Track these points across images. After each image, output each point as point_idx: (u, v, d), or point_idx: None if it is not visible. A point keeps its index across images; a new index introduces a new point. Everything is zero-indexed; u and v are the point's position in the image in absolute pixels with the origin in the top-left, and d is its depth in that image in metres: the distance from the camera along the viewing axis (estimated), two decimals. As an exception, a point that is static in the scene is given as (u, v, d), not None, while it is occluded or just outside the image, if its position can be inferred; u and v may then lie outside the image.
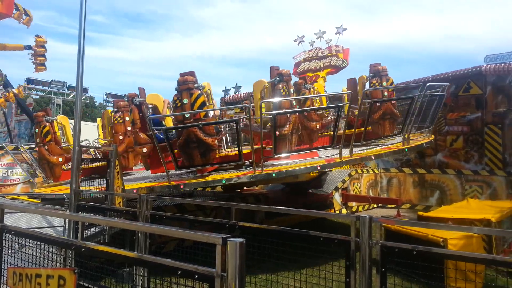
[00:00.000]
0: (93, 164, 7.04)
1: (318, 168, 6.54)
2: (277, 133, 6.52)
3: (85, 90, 21.81)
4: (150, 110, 7.75)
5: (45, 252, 3.25)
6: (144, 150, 7.33)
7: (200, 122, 6.33)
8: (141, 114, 7.59)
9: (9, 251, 3.46)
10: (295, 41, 16.66)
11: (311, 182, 11.80)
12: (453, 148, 13.03)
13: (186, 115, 6.33)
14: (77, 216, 4.16)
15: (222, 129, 7.03)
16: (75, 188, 5.28)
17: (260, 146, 6.06)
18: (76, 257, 3.21)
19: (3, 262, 3.43)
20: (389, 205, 13.79)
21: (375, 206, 14.43)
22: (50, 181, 8.85)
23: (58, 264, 3.62)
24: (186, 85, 6.39)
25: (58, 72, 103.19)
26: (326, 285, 3.25)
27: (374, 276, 2.94)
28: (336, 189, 12.63)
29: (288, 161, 6.74)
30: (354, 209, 13.26)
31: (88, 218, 4.02)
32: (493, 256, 6.13)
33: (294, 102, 7.16)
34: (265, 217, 8.82)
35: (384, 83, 8.18)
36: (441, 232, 6.44)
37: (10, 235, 3.27)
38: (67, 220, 5.23)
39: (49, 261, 3.24)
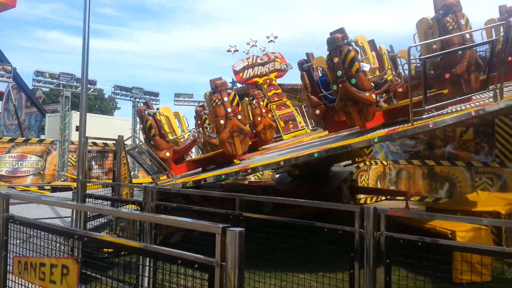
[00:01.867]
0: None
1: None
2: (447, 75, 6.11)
3: (93, 82, 21.94)
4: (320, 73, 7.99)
5: (52, 242, 3.28)
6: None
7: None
8: (310, 78, 7.75)
9: (17, 241, 3.49)
10: (228, 51, 17.21)
11: (320, 175, 11.79)
12: (463, 140, 12.85)
13: (338, 73, 6.40)
14: (81, 206, 4.18)
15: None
16: (81, 179, 5.31)
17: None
18: (83, 247, 3.22)
19: (9, 252, 3.46)
20: (398, 198, 13.69)
21: (383, 198, 14.35)
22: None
23: (65, 254, 3.65)
24: (334, 44, 6.41)
25: (68, 65, 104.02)
26: (331, 276, 3.23)
27: (378, 268, 2.91)
28: (345, 181, 12.58)
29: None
30: (362, 201, 13.19)
31: (91, 208, 4.03)
32: (502, 248, 6.09)
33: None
34: (272, 208, 8.82)
35: (462, 21, 6.43)
36: (449, 224, 6.39)
37: (16, 225, 3.29)
38: (74, 210, 5.28)
39: (56, 251, 3.26)
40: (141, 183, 9.36)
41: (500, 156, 11.69)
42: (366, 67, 6.70)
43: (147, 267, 3.59)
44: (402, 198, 13.21)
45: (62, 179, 16.32)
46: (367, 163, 13.78)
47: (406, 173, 14.23)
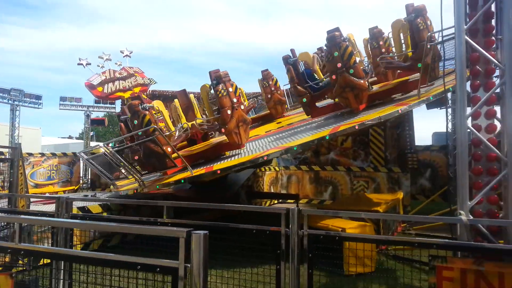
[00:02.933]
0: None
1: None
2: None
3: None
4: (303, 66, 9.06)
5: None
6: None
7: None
8: (296, 71, 8.82)
9: None
10: (79, 64, 16.45)
11: (216, 182, 12.09)
12: (343, 147, 14.44)
13: (338, 65, 7.61)
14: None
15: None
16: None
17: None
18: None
19: None
20: (289, 201, 14.76)
21: (275, 202, 15.32)
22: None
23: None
24: (334, 40, 7.61)
25: None
26: (258, 273, 3.54)
27: (302, 262, 3.31)
28: (242, 187, 13.12)
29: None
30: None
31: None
32: (386, 236, 7.21)
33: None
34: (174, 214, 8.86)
35: (428, 22, 8.21)
36: (339, 222, 7.25)
37: None
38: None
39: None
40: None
41: (374, 162, 13.43)
42: (357, 59, 8.11)
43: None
44: (292, 201, 14.31)
45: None
46: (262, 169, 14.56)
47: (296, 178, 15.42)
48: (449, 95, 10.27)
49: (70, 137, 51.48)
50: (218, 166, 7.38)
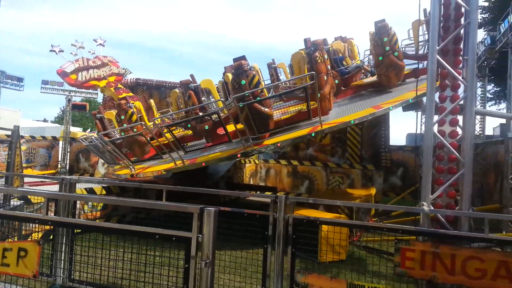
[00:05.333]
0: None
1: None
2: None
3: None
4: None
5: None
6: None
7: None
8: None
9: None
10: (52, 50, 16.59)
11: (196, 171, 12.47)
12: (322, 144, 15.03)
13: (386, 48, 9.61)
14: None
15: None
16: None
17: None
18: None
19: None
20: (266, 193, 15.29)
21: (253, 193, 15.83)
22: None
23: None
24: (385, 29, 9.50)
25: None
26: (248, 254, 4.00)
27: (287, 242, 3.79)
28: (222, 178, 13.55)
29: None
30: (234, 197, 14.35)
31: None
32: (360, 222, 7.82)
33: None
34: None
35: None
36: (315, 213, 7.83)
37: None
38: None
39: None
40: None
41: (350, 159, 14.08)
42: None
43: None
44: (270, 193, 14.84)
45: None
46: (242, 161, 15.02)
47: (274, 171, 15.96)
48: (424, 99, 10.97)
49: (45, 121, 50.59)
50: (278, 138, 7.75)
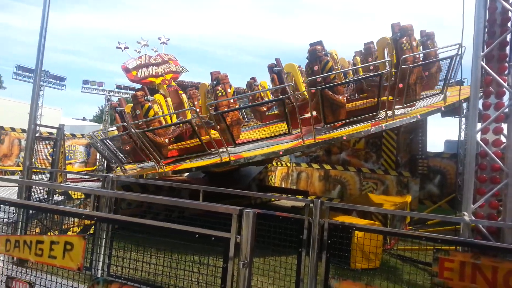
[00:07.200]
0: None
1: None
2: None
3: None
4: None
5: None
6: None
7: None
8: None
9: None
10: (118, 47, 16.99)
11: (230, 173, 12.61)
12: (356, 149, 14.84)
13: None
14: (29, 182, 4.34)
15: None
16: (28, 165, 5.34)
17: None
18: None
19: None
20: (298, 196, 15.21)
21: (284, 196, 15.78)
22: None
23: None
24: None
25: None
26: (280, 257, 4.02)
27: (322, 247, 3.79)
28: (254, 180, 13.62)
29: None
30: (266, 199, 14.39)
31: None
32: (396, 229, 7.67)
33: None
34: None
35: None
36: (349, 219, 7.73)
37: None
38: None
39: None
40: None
41: (384, 165, 13.81)
42: None
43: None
44: (301, 196, 14.77)
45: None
46: (274, 164, 15.04)
47: (306, 175, 15.88)
48: (464, 105, 10.57)
49: (84, 119, 52.58)
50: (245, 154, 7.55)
